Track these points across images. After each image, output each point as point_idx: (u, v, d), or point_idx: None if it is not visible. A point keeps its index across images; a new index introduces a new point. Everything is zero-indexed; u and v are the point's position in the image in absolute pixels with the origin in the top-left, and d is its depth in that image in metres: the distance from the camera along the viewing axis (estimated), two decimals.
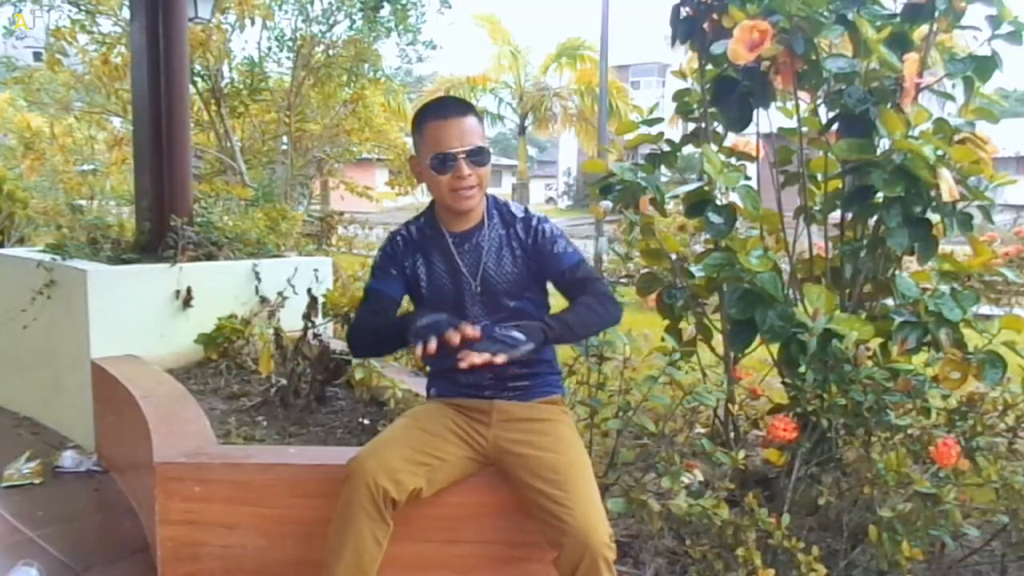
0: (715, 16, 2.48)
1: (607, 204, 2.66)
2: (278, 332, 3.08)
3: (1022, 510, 2.12)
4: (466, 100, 2.05)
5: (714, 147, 2.59)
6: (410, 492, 1.85)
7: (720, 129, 2.68)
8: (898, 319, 2.40)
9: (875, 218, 2.48)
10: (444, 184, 1.91)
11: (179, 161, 3.81)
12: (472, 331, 1.73)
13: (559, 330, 1.86)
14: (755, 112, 2.56)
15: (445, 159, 1.88)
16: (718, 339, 2.70)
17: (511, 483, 1.97)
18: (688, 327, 2.77)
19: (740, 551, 2.01)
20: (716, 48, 2.43)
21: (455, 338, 1.71)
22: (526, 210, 2.05)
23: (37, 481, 3.00)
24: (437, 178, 1.91)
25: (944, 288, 2.40)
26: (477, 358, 1.69)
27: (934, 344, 2.35)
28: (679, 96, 2.81)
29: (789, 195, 2.69)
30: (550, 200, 38.60)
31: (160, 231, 3.70)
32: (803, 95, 2.56)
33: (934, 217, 2.32)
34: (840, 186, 2.61)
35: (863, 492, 2.16)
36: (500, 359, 1.72)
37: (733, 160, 2.67)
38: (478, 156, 1.89)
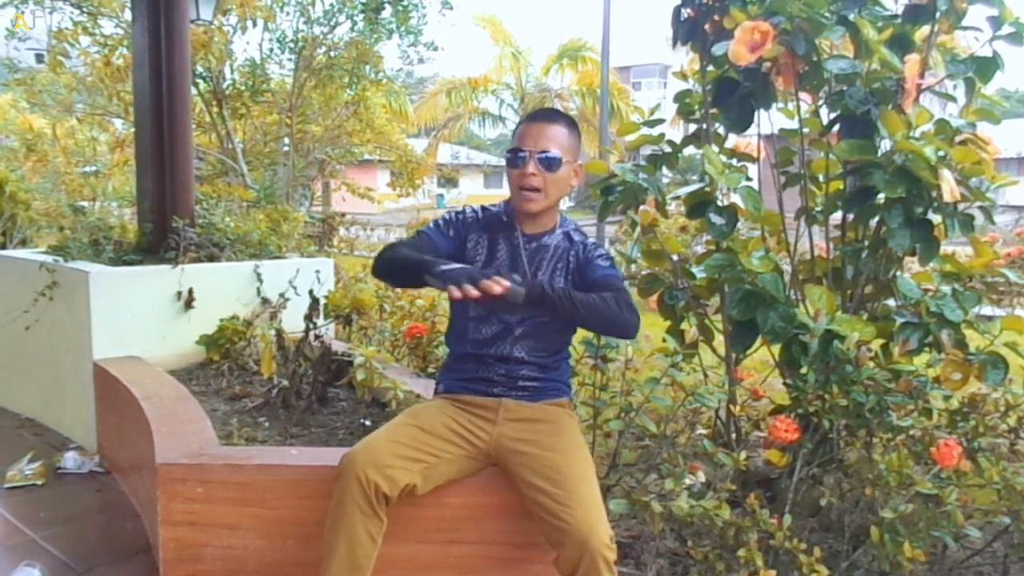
0: (716, 17, 2.48)
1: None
2: (280, 333, 3.09)
3: None
4: (565, 114, 2.12)
5: (715, 148, 2.59)
6: (402, 488, 1.85)
7: (721, 130, 2.68)
8: (899, 320, 2.40)
9: (876, 219, 2.47)
10: (513, 179, 2.02)
11: (181, 162, 3.81)
12: (505, 282, 1.79)
13: (560, 296, 1.88)
14: (756, 113, 2.56)
15: (516, 154, 1.99)
16: (719, 340, 2.70)
17: (512, 483, 1.97)
18: (690, 328, 2.77)
19: (742, 552, 2.02)
20: (717, 49, 2.43)
21: (494, 287, 1.75)
22: (586, 235, 2.16)
23: (39, 482, 3.00)
24: (510, 172, 2.02)
25: (946, 289, 2.40)
26: (472, 290, 1.75)
27: (936, 345, 2.35)
28: (680, 97, 2.82)
29: (790, 196, 2.69)
30: None
31: (162, 232, 3.70)
32: (804, 96, 2.56)
33: (935, 218, 2.32)
34: (841, 187, 2.61)
35: (865, 493, 2.16)
36: (492, 285, 1.76)
37: (734, 161, 2.67)
38: (548, 160, 1.97)
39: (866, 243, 2.53)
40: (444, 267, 1.82)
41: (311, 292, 3.09)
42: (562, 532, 1.76)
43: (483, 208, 2.16)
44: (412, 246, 2.03)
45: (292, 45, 9.10)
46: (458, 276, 1.78)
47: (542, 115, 2.06)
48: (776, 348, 2.51)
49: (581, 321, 1.99)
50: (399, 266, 1.99)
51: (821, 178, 2.67)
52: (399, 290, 4.00)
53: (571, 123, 2.06)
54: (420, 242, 2.05)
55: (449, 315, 2.22)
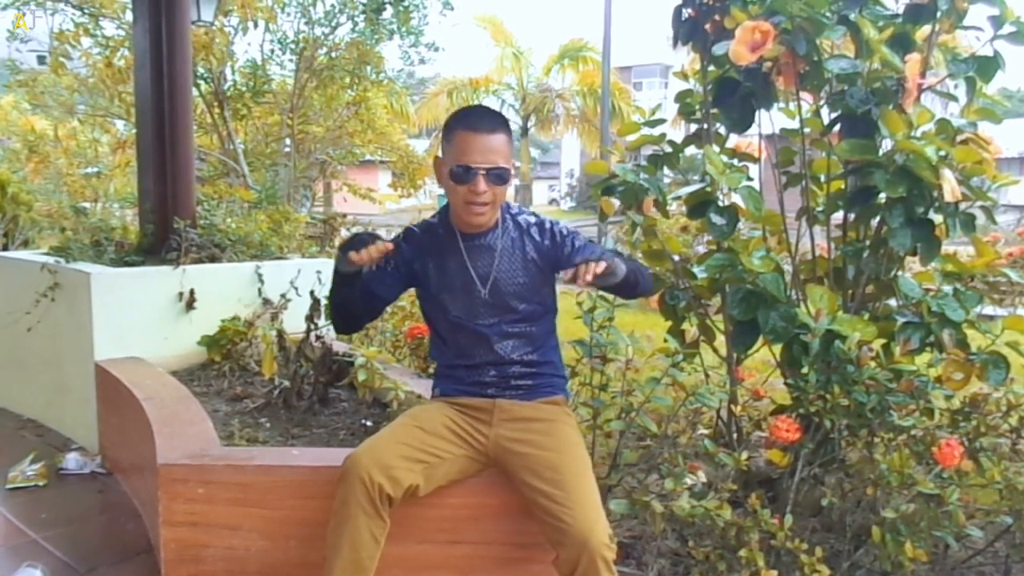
0: (717, 17, 2.48)
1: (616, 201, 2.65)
2: (281, 334, 3.09)
3: None
4: (501, 115, 2.00)
5: (716, 148, 2.59)
6: (406, 489, 1.85)
7: (722, 130, 2.68)
8: (901, 320, 2.40)
9: (877, 219, 2.47)
10: (460, 194, 1.93)
11: (182, 163, 3.82)
12: (386, 246, 1.85)
13: (626, 264, 1.91)
14: (757, 113, 2.56)
15: (466, 171, 1.89)
16: (721, 340, 2.70)
17: (512, 483, 1.97)
18: (691, 328, 2.77)
19: (743, 552, 2.01)
20: (718, 49, 2.43)
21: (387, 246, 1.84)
22: (535, 215, 2.10)
23: (41, 483, 3.00)
24: (454, 186, 1.93)
25: (947, 289, 2.40)
26: (595, 267, 1.75)
27: (937, 345, 2.35)
28: (681, 97, 2.82)
29: (791, 196, 2.68)
30: (553, 202, 38.59)
31: (163, 233, 3.70)
32: (805, 96, 2.56)
33: (937, 218, 2.32)
34: (842, 187, 2.60)
35: (866, 493, 2.16)
36: (601, 267, 1.76)
37: (735, 161, 2.66)
38: (498, 175, 1.91)
39: (867, 243, 2.53)
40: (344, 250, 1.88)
41: (312, 293, 3.09)
42: (561, 532, 1.76)
43: (421, 224, 2.10)
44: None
45: (293, 46, 9.12)
46: (353, 246, 1.85)
47: (484, 123, 1.91)
48: (777, 348, 2.50)
49: (630, 285, 1.97)
50: (341, 300, 2.02)
51: (822, 178, 2.67)
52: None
53: (507, 124, 1.98)
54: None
55: (428, 325, 2.21)
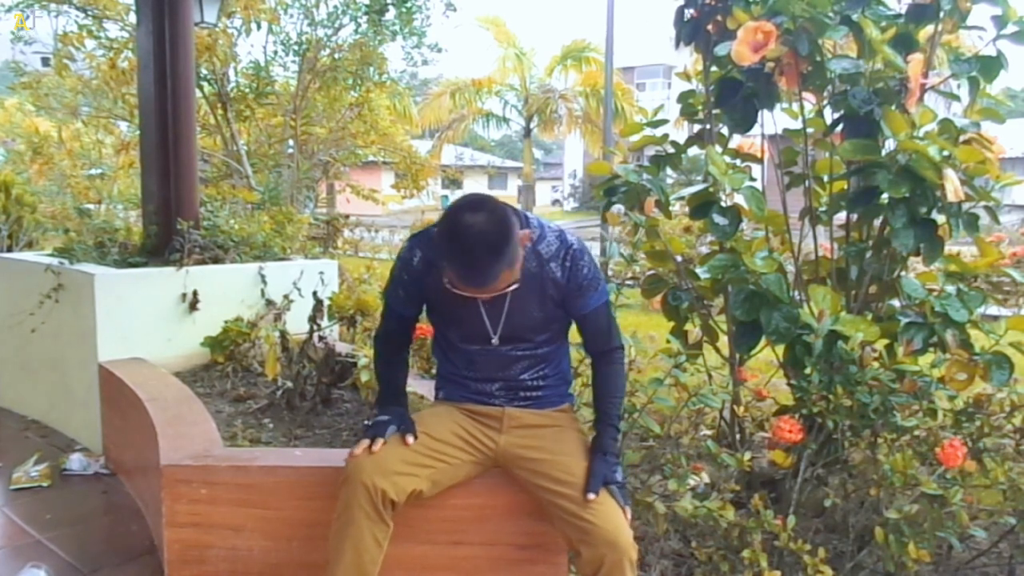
0: (719, 18, 2.48)
1: (619, 208, 2.65)
2: (284, 335, 3.09)
3: None
4: (496, 254, 1.66)
5: (719, 148, 2.59)
6: (409, 493, 1.85)
7: (725, 131, 2.68)
8: (904, 320, 2.39)
9: (880, 219, 2.47)
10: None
11: (185, 165, 3.83)
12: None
13: (617, 432, 1.98)
14: (760, 113, 2.56)
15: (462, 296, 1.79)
16: (723, 341, 2.69)
17: (517, 485, 1.97)
18: (693, 329, 2.77)
19: (746, 553, 2.01)
20: (720, 50, 2.43)
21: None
22: (561, 239, 1.89)
23: (45, 484, 3.01)
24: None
25: (950, 289, 2.40)
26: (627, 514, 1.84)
27: (940, 345, 2.34)
28: (684, 98, 2.81)
29: (794, 196, 2.68)
30: (556, 202, 38.59)
31: (167, 235, 3.71)
32: (808, 96, 2.56)
33: (940, 218, 2.31)
34: (845, 187, 2.60)
35: (869, 493, 2.16)
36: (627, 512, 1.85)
37: (738, 162, 2.67)
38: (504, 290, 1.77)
39: (870, 243, 2.53)
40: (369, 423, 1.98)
41: (315, 294, 3.10)
42: (586, 532, 1.76)
43: (429, 243, 1.90)
44: (387, 337, 2.09)
45: (296, 47, 9.15)
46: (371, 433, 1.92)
47: (478, 282, 1.71)
48: (780, 349, 2.50)
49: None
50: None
51: (825, 178, 2.66)
52: None
53: (507, 249, 1.67)
54: (390, 327, 2.07)
55: (434, 331, 2.15)
